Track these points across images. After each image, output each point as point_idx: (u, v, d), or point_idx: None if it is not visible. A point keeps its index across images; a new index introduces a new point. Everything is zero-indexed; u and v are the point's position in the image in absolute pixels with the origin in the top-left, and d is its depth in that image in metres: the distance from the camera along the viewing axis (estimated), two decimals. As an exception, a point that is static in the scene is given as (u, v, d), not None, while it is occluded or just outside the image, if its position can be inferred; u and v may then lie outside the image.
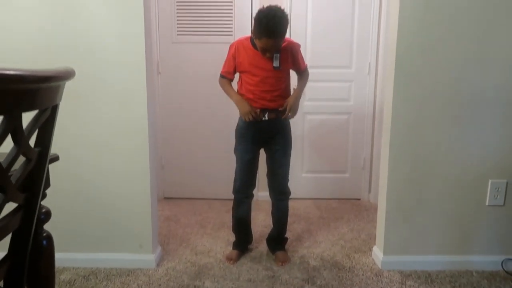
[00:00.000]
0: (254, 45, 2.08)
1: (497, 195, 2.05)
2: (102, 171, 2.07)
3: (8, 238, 0.92)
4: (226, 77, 2.19)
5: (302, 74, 2.25)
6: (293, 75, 2.23)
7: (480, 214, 2.09)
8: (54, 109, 0.94)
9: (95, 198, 2.09)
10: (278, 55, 2.07)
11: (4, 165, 0.78)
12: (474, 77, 1.96)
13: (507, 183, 2.05)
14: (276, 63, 2.08)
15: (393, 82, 1.98)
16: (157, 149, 3.00)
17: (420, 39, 1.93)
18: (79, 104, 1.99)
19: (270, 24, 1.91)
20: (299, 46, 2.20)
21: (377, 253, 2.19)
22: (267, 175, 2.28)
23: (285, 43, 2.10)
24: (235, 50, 2.14)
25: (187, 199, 3.30)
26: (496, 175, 2.05)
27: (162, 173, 3.27)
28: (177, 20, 3.10)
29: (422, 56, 1.95)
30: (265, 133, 2.17)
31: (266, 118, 2.13)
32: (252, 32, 2.05)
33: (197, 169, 3.28)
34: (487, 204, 2.07)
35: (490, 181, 2.05)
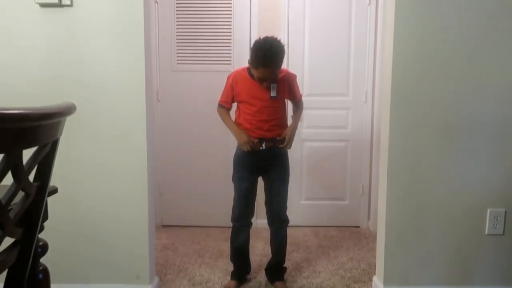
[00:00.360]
0: (251, 75, 2.12)
1: (496, 224, 2.04)
2: (99, 199, 2.06)
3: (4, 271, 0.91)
4: (224, 107, 2.22)
5: (298, 104, 2.31)
6: (289, 104, 2.27)
7: (479, 244, 2.07)
8: (55, 143, 0.95)
9: (93, 229, 2.08)
10: (275, 85, 2.11)
11: (3, 201, 0.78)
12: (469, 106, 1.99)
13: (505, 212, 2.04)
14: (273, 93, 2.11)
15: (389, 112, 2.01)
16: (156, 177, 3.00)
17: (414, 69, 1.97)
18: (78, 131, 2.00)
19: (267, 55, 1.96)
20: (295, 76, 2.25)
21: (377, 283, 2.16)
22: (265, 203, 2.27)
23: (282, 74, 2.15)
24: (233, 80, 2.18)
25: (185, 226, 3.27)
26: (495, 203, 2.04)
27: (160, 200, 3.25)
28: (177, 49, 3.16)
29: (417, 86, 1.98)
30: (263, 162, 2.18)
31: (264, 147, 2.15)
32: (249, 62, 2.09)
33: (196, 197, 3.27)
34: (486, 233, 2.06)
35: (488, 210, 2.04)
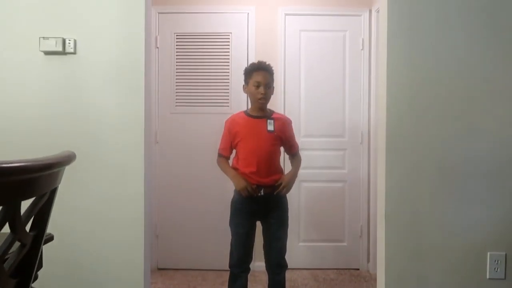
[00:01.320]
0: (248, 114, 2.22)
1: (497, 268, 2.02)
2: (95, 243, 2.04)
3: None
4: (223, 155, 2.26)
5: (295, 155, 2.34)
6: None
7: (481, 289, 2.03)
8: (53, 192, 0.96)
9: (88, 273, 2.04)
10: (272, 121, 2.18)
11: (-1, 254, 0.78)
12: (465, 148, 2.02)
13: (506, 255, 2.02)
14: (270, 127, 2.17)
15: (384, 154, 2.03)
16: (152, 219, 2.97)
17: (409, 112, 2.02)
18: (75, 175, 2.00)
19: (260, 61, 2.24)
20: (290, 121, 2.32)
21: (379, 330, 2.10)
22: (263, 247, 2.25)
23: (277, 114, 2.26)
24: (230, 123, 2.25)
25: (181, 270, 3.19)
26: (495, 247, 2.02)
27: (156, 243, 3.20)
28: (176, 91, 3.23)
29: (412, 129, 2.02)
30: (261, 207, 2.18)
31: (262, 193, 2.16)
32: (244, 88, 2.24)
33: (192, 240, 3.22)
34: (487, 277, 2.02)
35: (488, 254, 2.02)
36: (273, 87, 2.25)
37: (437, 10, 2.01)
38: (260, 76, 2.15)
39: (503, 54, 2.01)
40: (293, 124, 2.36)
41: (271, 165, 2.16)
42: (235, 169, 2.20)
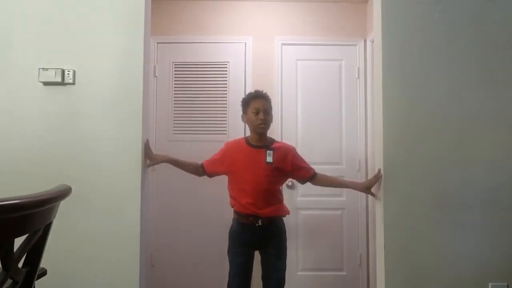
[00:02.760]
0: (248, 143, 2.19)
1: (499, 299, 1.98)
2: (90, 274, 2.00)
3: None
4: (204, 169, 2.25)
5: (314, 177, 2.23)
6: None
7: (484, 320, 1.99)
8: (47, 227, 0.95)
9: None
10: (272, 152, 2.14)
11: (-10, 293, 0.76)
12: (461, 178, 2.02)
13: (507, 286, 1.99)
14: (269, 159, 2.13)
15: (383, 183, 2.03)
16: (148, 249, 2.92)
17: (405, 141, 2.03)
18: (71, 206, 1.98)
19: (257, 90, 2.27)
20: (293, 148, 2.27)
21: None
22: (262, 278, 2.20)
23: (278, 144, 2.21)
24: (230, 148, 2.22)
25: (177, 300, 3.12)
26: (496, 277, 1.99)
27: (152, 272, 3.14)
28: (174, 119, 3.24)
29: (408, 158, 2.02)
30: (258, 238, 2.15)
31: (260, 223, 2.13)
32: (242, 117, 2.24)
33: (189, 269, 3.16)
34: (490, 309, 1.98)
35: (490, 284, 1.99)
36: (272, 115, 2.25)
37: (430, 40, 2.06)
38: (258, 103, 2.16)
39: (496, 82, 2.05)
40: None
41: (268, 196, 2.14)
42: (231, 197, 2.18)
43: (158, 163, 2.21)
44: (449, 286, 1.99)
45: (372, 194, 2.09)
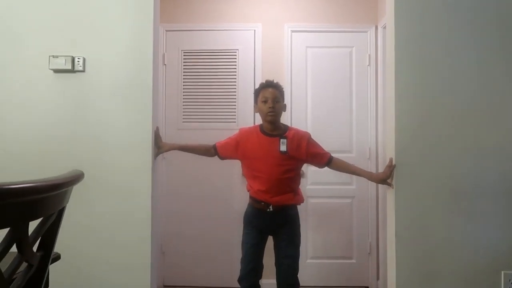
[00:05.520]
0: (263, 131, 2.18)
1: (512, 287, 1.96)
2: (102, 262, 2.03)
3: None
4: (217, 149, 2.25)
5: (331, 162, 2.20)
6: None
7: (496, 309, 1.98)
8: (61, 211, 0.96)
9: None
10: (285, 140, 2.13)
11: (6, 275, 0.77)
12: (475, 168, 1.99)
13: (520, 274, 1.97)
14: (283, 147, 2.12)
15: (394, 172, 2.01)
16: (159, 237, 2.95)
17: (418, 131, 2.00)
18: (83, 194, 2.00)
19: (268, 80, 2.26)
20: (308, 135, 2.24)
21: None
22: (275, 264, 2.22)
23: (292, 131, 2.19)
24: (244, 135, 2.22)
25: (188, 286, 3.15)
26: (509, 265, 1.98)
27: (163, 259, 3.17)
28: (183, 107, 3.24)
29: (421, 148, 2.00)
30: (270, 223, 2.17)
31: (271, 209, 2.13)
32: (254, 107, 2.25)
33: (199, 256, 3.19)
34: (502, 297, 1.97)
35: (502, 273, 1.97)
36: (285, 104, 2.23)
37: (445, 25, 2.01)
38: (267, 92, 2.16)
39: (512, 69, 2.01)
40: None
41: (281, 185, 2.13)
42: (247, 181, 2.20)
43: (166, 151, 2.23)
44: (461, 274, 1.98)
45: (388, 184, 2.05)
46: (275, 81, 2.24)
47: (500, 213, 1.98)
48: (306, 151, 2.17)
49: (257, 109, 2.22)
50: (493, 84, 2.00)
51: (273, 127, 2.17)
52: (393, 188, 2.03)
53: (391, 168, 2.00)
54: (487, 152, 2.00)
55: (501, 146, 2.00)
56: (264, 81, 2.28)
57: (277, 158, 2.11)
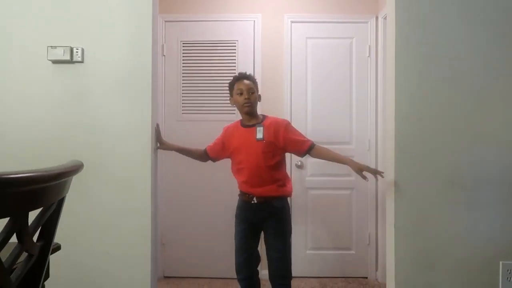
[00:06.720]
0: (242, 124, 2.23)
1: (510, 277, 1.97)
2: (102, 252, 2.03)
3: None
4: (207, 151, 2.33)
5: (311, 149, 2.16)
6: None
7: (494, 299, 1.99)
8: (61, 202, 0.96)
9: (94, 283, 2.03)
10: (262, 128, 2.16)
11: (6, 265, 0.77)
12: (474, 157, 1.99)
13: (518, 264, 1.98)
14: (259, 135, 2.14)
15: (393, 162, 2.01)
16: (159, 228, 2.96)
17: (417, 119, 2.00)
18: (82, 184, 2.00)
19: (241, 72, 2.31)
20: (287, 122, 2.24)
21: None
22: (266, 256, 2.23)
23: (269, 119, 2.21)
24: (226, 132, 2.29)
25: (188, 278, 3.17)
26: (507, 256, 1.99)
27: (163, 251, 3.19)
28: (182, 99, 3.23)
29: (420, 136, 2.00)
30: (255, 215, 2.19)
31: (255, 201, 2.16)
32: (229, 93, 2.27)
33: (199, 247, 3.20)
34: (500, 287, 1.98)
35: (501, 263, 1.98)
36: (259, 95, 2.27)
37: (446, 16, 2.00)
38: (242, 84, 2.19)
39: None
40: (294, 126, 2.27)
41: (263, 175, 2.12)
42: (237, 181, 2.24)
43: (165, 149, 2.30)
44: (460, 265, 1.99)
45: (363, 177, 2.01)
46: (247, 73, 2.28)
47: (499, 203, 1.99)
48: (284, 137, 2.15)
49: (233, 101, 2.26)
50: (494, 74, 1.99)
51: (250, 117, 2.21)
52: (367, 180, 2.05)
53: (375, 171, 2.05)
54: (487, 143, 1.99)
55: (501, 137, 1.99)
56: (237, 74, 2.31)
57: (255, 146, 2.13)
